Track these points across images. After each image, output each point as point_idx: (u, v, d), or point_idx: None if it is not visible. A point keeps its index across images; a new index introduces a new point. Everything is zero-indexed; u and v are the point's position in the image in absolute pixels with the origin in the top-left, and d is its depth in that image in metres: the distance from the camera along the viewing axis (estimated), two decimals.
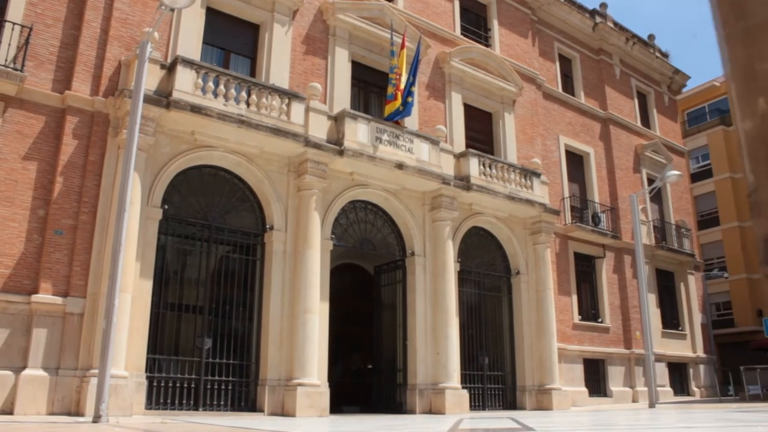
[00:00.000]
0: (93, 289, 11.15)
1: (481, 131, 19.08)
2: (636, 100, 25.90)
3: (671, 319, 24.06)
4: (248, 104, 12.80)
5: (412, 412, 14.40)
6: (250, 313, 13.10)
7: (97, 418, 8.64)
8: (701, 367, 24.39)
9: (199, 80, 12.20)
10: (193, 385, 11.94)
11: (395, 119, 15.50)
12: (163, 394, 11.60)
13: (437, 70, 18.18)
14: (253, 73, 14.63)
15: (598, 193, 22.54)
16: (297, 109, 13.47)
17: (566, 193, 21.34)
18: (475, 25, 20.37)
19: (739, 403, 18.96)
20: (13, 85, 11.10)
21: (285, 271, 13.25)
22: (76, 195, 11.49)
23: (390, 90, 15.42)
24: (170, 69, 12.23)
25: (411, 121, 16.53)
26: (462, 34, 19.46)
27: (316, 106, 14.09)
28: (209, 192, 13.14)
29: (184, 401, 11.76)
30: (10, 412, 9.98)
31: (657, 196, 25.04)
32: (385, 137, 14.81)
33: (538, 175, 18.06)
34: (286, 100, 13.35)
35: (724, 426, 7.39)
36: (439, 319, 15.09)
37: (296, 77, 14.97)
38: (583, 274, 21.34)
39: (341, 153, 13.92)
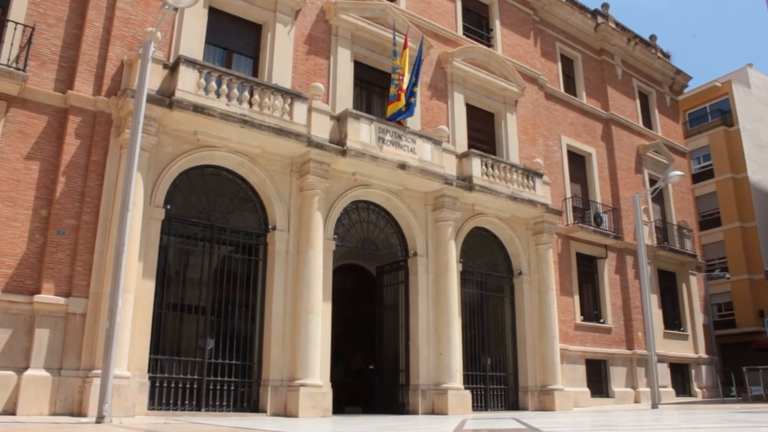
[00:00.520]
0: (95, 289, 11.14)
1: (483, 131, 19.07)
2: (638, 101, 25.87)
3: (673, 320, 24.04)
4: (251, 104, 12.79)
5: (414, 412, 14.37)
6: (253, 313, 13.08)
7: (100, 419, 8.61)
8: (703, 367, 24.36)
9: (202, 80, 12.19)
10: (195, 386, 11.93)
11: (398, 119, 15.50)
12: (165, 395, 11.58)
13: (439, 71, 18.17)
14: (255, 73, 14.62)
15: (600, 194, 22.53)
16: (299, 109, 13.45)
17: (568, 194, 21.32)
18: (477, 25, 20.37)
19: (741, 404, 18.93)
20: (16, 84, 11.09)
21: (287, 272, 13.24)
22: (78, 195, 11.48)
23: (392, 90, 15.41)
24: (173, 69, 12.22)
25: (413, 122, 16.52)
26: (464, 34, 19.46)
27: (318, 106, 14.08)
28: (212, 192, 13.12)
29: (187, 402, 11.75)
30: (13, 413, 9.97)
31: (659, 197, 25.02)
32: (387, 137, 14.79)
33: (540, 175, 18.04)
34: (289, 100, 13.35)
35: (729, 426, 7.35)
36: (442, 320, 15.07)
37: (299, 77, 14.96)
38: (585, 275, 21.33)
39: (344, 153, 13.90)
